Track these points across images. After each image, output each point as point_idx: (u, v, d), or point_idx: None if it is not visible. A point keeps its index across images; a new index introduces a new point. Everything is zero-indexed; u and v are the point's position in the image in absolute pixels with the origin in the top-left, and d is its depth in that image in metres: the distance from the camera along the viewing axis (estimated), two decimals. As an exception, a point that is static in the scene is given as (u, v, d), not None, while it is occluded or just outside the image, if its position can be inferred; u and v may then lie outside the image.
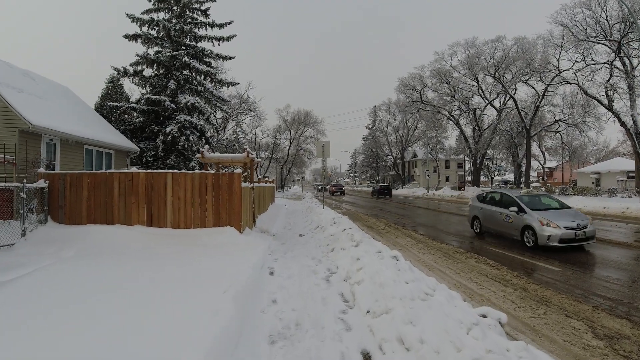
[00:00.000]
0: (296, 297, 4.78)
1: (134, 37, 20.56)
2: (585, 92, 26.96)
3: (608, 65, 25.25)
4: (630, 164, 33.73)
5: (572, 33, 25.51)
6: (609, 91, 25.42)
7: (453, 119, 40.58)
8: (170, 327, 3.37)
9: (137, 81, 21.32)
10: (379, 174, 74.58)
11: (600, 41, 24.89)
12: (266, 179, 28.65)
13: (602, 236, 10.22)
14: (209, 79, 22.31)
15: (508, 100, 34.98)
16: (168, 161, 19.79)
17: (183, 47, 21.10)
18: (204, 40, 22.16)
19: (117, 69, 20.67)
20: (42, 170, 8.43)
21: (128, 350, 2.97)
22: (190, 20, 21.54)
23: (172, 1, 21.39)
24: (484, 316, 3.62)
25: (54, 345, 3.06)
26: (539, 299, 5.16)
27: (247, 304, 4.31)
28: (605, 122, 28.94)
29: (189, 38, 21.75)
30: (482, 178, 48.13)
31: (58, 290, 4.52)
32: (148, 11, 21.28)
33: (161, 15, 21.47)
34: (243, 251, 6.91)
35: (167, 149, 19.99)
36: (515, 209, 9.11)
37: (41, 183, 8.06)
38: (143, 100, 20.45)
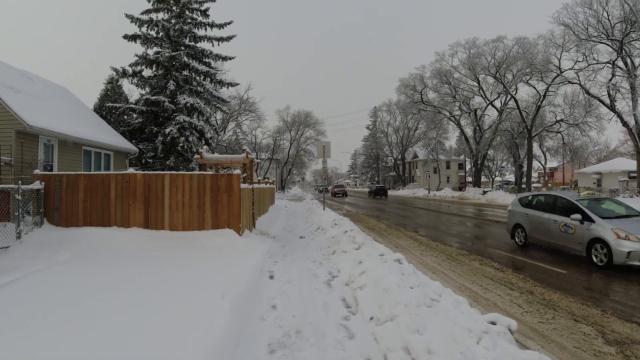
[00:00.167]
0: (297, 303, 4.62)
1: (133, 38, 20.42)
2: (587, 92, 26.81)
3: (610, 65, 25.11)
4: (631, 164, 33.57)
5: (574, 32, 25.38)
6: (611, 91, 25.28)
7: (454, 120, 40.43)
8: (165, 334, 3.22)
9: (136, 82, 21.19)
10: (380, 174, 74.41)
11: (602, 41, 24.76)
12: (266, 180, 28.54)
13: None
14: (209, 79, 22.16)
15: (509, 100, 34.82)
16: (167, 162, 19.65)
17: (182, 48, 20.95)
18: (204, 41, 22.01)
19: (116, 70, 20.53)
20: (37, 171, 8.28)
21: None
22: (189, 20, 21.40)
23: (171, 1, 21.25)
24: (493, 323, 3.46)
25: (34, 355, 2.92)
26: (545, 302, 5.01)
27: (245, 310, 4.16)
28: (607, 122, 28.81)
29: (188, 38, 21.60)
30: (483, 179, 47.95)
31: (51, 295, 4.40)
32: (147, 11, 21.14)
33: (160, 15, 21.33)
34: (242, 254, 6.76)
35: (166, 150, 19.84)
36: (578, 216, 7.40)
37: (37, 185, 7.91)
38: (142, 101, 20.30)
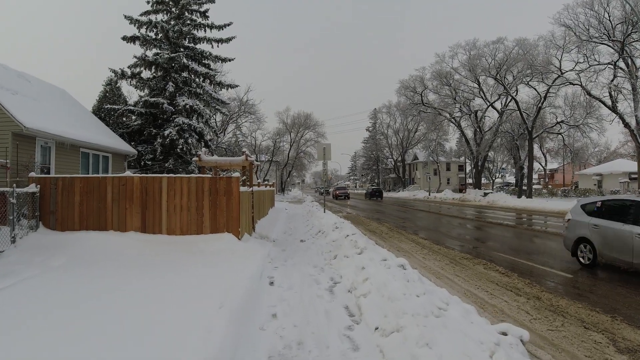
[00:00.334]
0: (298, 311, 4.45)
1: (132, 39, 20.28)
2: (589, 93, 26.66)
3: (611, 66, 24.98)
4: (632, 165, 33.46)
5: (575, 33, 25.23)
6: (612, 92, 25.14)
7: (454, 121, 40.27)
8: (161, 347, 3.06)
9: (135, 83, 21.04)
10: (380, 176, 74.23)
11: (603, 42, 24.61)
12: (266, 182, 28.39)
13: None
14: (208, 81, 22.02)
15: (509, 102, 34.68)
16: (166, 164, 19.47)
17: (182, 49, 20.82)
18: (203, 42, 21.87)
19: (114, 71, 20.40)
20: (33, 174, 8.13)
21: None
22: (189, 21, 21.27)
23: (170, 3, 21.14)
24: (505, 334, 3.31)
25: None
26: (554, 308, 4.85)
27: (244, 320, 3.99)
28: (609, 123, 28.56)
29: (187, 40, 21.47)
30: (484, 180, 47.79)
31: (49, 299, 4.30)
32: (146, 13, 21.02)
33: (160, 16, 21.20)
34: (241, 259, 6.60)
35: (165, 152, 19.68)
36: None
37: (32, 187, 7.75)
38: (141, 103, 20.15)
